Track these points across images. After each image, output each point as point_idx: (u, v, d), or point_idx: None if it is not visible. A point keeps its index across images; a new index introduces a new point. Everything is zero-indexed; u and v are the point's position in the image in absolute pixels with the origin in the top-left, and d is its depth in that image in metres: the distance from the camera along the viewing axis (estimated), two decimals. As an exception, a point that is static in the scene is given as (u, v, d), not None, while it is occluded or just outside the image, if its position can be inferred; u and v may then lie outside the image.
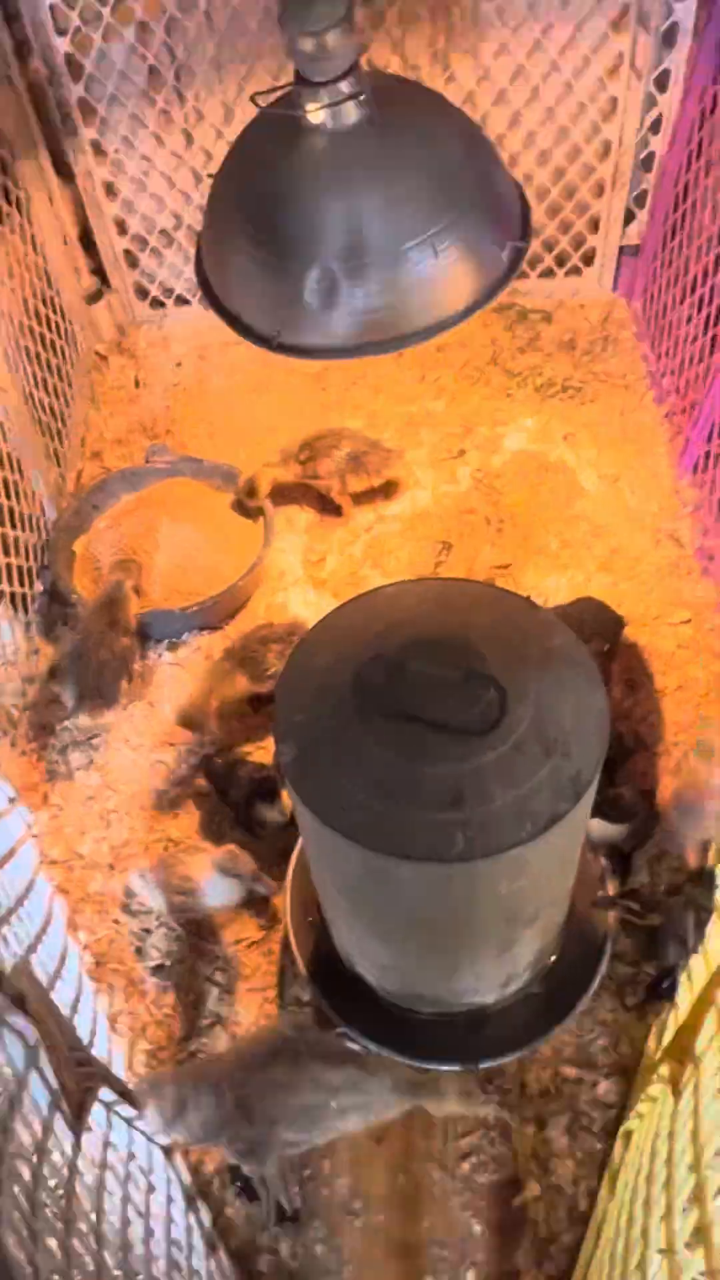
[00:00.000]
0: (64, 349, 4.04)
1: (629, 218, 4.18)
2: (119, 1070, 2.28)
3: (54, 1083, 1.73)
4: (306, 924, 2.54)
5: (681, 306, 3.80)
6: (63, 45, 3.73)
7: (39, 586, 3.50)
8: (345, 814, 1.74)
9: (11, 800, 2.91)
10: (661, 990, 2.45)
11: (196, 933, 2.77)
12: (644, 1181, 1.77)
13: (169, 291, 4.49)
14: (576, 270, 4.39)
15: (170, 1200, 2.17)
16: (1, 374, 3.29)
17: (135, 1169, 2.06)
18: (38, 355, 3.74)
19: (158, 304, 4.52)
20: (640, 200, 4.13)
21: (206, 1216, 2.32)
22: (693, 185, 3.68)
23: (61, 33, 3.69)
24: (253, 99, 1.55)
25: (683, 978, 2.27)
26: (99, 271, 4.39)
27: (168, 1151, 2.29)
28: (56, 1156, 1.71)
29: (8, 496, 3.29)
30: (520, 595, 2.03)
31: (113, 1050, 2.41)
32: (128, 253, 4.34)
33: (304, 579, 3.61)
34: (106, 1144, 1.96)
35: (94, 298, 4.37)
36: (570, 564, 3.51)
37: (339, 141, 1.52)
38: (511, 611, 1.98)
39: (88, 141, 3.98)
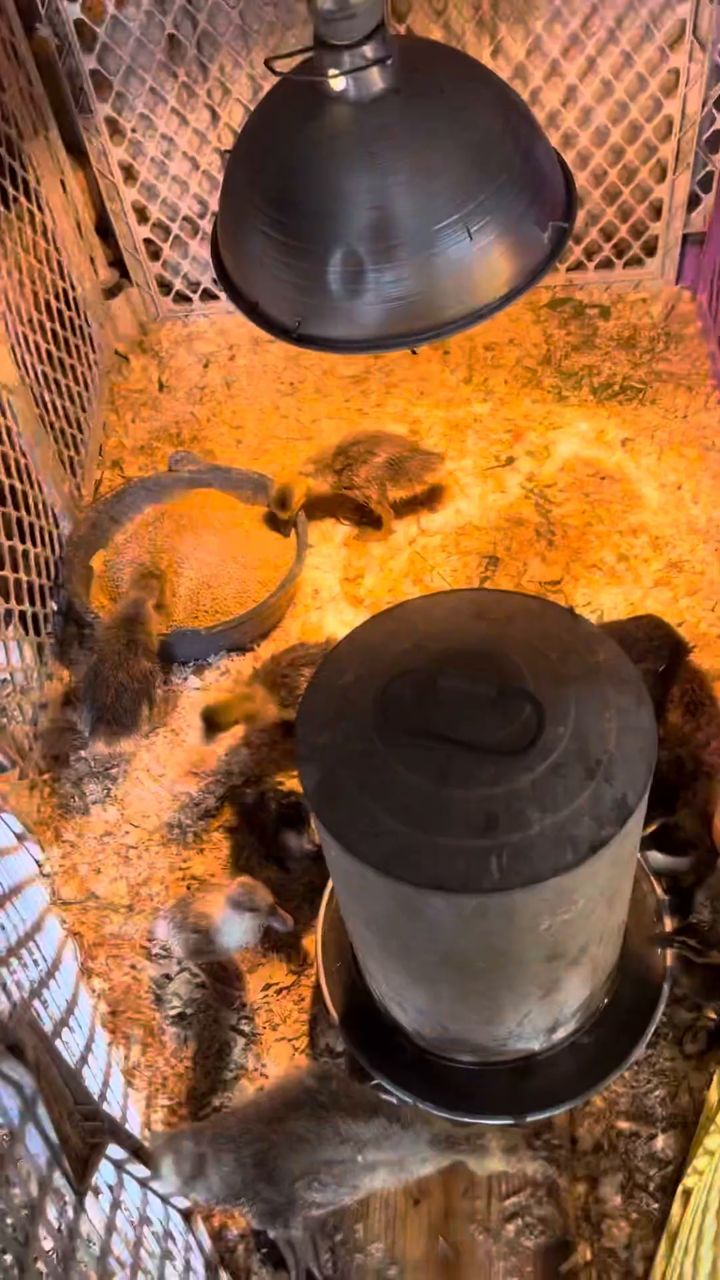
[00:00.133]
0: (80, 348, 4.09)
1: (693, 202, 4.18)
2: (135, 1127, 2.28)
3: (54, 1137, 1.73)
4: (339, 967, 2.54)
5: (751, 298, 3.80)
6: (73, 11, 3.76)
7: (53, 606, 3.52)
8: (371, 842, 1.75)
9: (20, 837, 2.94)
10: (725, 1038, 2.43)
11: (220, 978, 2.78)
12: (694, 1239, 1.75)
13: (194, 285, 4.54)
14: (637, 260, 4.40)
15: (189, 1269, 2.16)
16: (10, 375, 3.32)
17: (149, 1234, 2.06)
18: (51, 355, 3.79)
19: (182, 299, 4.58)
20: (706, 184, 4.13)
21: (229, 1287, 2.31)
22: (761, 166, 3.68)
23: (71, -3, 3.73)
24: (268, 64, 1.57)
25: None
26: (118, 263, 4.45)
27: (187, 1215, 2.28)
28: (55, 1217, 1.71)
29: (18, 508, 3.32)
30: (561, 606, 2.03)
31: (128, 1105, 2.41)
32: (149, 242, 4.39)
33: (340, 596, 3.63)
34: (116, 1206, 1.96)
35: (113, 292, 4.42)
36: (626, 579, 3.50)
37: (363, 111, 1.52)
38: (551, 624, 1.99)
39: (102, 119, 4.03)
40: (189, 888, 2.96)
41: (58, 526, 3.64)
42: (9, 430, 3.31)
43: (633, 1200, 2.38)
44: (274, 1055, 2.67)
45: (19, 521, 3.32)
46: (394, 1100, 2.23)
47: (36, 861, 3.03)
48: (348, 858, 1.77)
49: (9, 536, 3.20)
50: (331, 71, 1.50)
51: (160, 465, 4.01)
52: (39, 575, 3.42)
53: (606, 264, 4.42)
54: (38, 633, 3.38)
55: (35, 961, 2.44)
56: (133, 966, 2.86)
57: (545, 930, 1.81)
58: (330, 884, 2.66)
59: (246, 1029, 2.72)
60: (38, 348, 3.66)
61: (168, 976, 2.83)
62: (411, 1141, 1.99)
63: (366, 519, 3.80)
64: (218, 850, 3.05)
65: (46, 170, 3.88)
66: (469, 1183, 2.36)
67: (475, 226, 1.56)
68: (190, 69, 3.94)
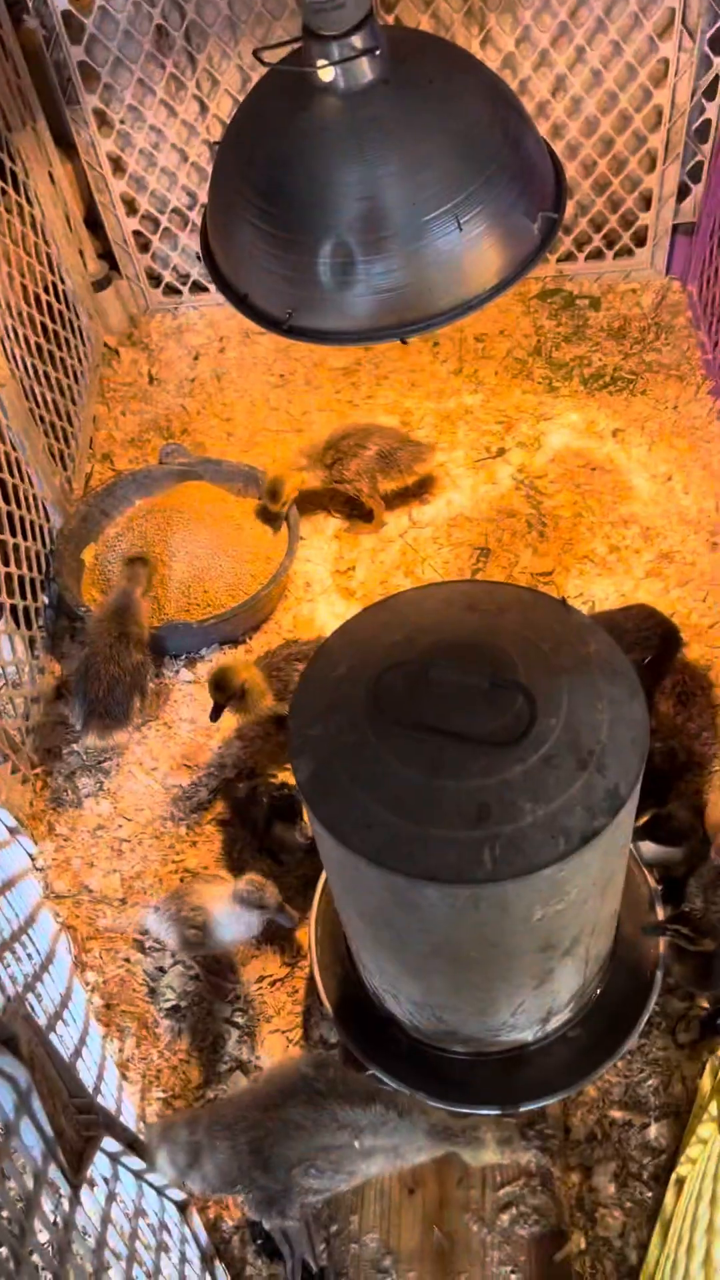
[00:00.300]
0: (69, 341, 4.08)
1: (683, 193, 4.19)
2: (129, 1120, 2.29)
3: (49, 1130, 1.73)
4: (333, 959, 2.54)
5: (740, 288, 3.80)
6: (60, 2, 3.76)
7: (44, 599, 3.53)
8: (364, 833, 1.75)
9: (12, 830, 2.94)
10: (717, 1026, 2.44)
11: (214, 970, 2.78)
12: (688, 1227, 1.76)
13: (184, 277, 4.54)
14: (627, 251, 4.41)
15: (184, 1260, 2.17)
16: None
17: (144, 1226, 2.07)
18: (40, 348, 3.78)
19: (172, 291, 4.58)
20: (695, 174, 4.14)
21: (225, 1278, 2.31)
22: (751, 155, 3.68)
23: (58, -13, 3.72)
24: (257, 55, 1.56)
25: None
26: (107, 256, 4.45)
27: (182, 1207, 2.29)
28: (50, 1210, 1.72)
29: (8, 502, 3.31)
30: (553, 597, 2.03)
31: (123, 1098, 2.41)
32: (138, 234, 4.39)
33: (331, 589, 3.63)
34: (111, 1198, 1.96)
35: (102, 285, 4.42)
36: (618, 570, 3.51)
37: (352, 102, 1.52)
38: (543, 615, 1.99)
39: (90, 111, 4.02)
40: (182, 880, 2.96)
41: (48, 520, 3.63)
42: (-1, 424, 3.30)
43: (626, 1189, 2.39)
44: (268, 1047, 2.67)
45: (9, 515, 3.31)
46: (390, 1089, 2.24)
47: (29, 855, 3.03)
48: (341, 849, 1.77)
49: (-1, 530, 3.20)
50: (320, 62, 1.49)
51: (151, 458, 4.01)
52: (30, 569, 3.42)
53: (597, 254, 4.42)
54: (29, 626, 3.37)
55: (29, 955, 2.45)
56: (126, 960, 2.86)
57: (538, 921, 1.81)
58: (323, 876, 2.66)
59: (240, 1021, 2.72)
60: (27, 341, 3.65)
61: (161, 969, 2.83)
62: (408, 1130, 2.00)
63: (357, 512, 3.80)
64: (211, 843, 3.05)
65: (34, 162, 3.87)
66: (463, 1172, 2.37)
67: (465, 217, 1.55)
68: (178, 60, 3.93)
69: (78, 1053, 2.19)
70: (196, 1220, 2.32)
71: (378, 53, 1.50)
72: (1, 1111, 1.62)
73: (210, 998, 2.76)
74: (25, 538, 3.41)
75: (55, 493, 3.65)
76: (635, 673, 1.91)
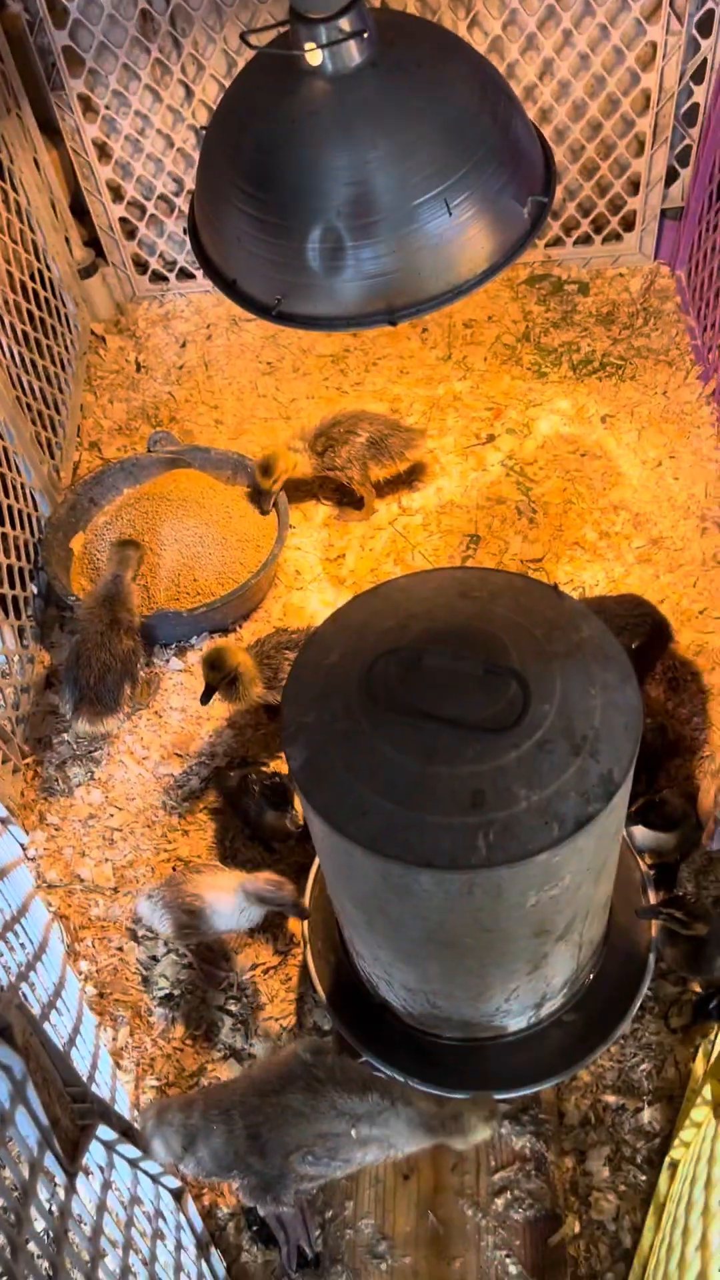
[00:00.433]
0: (56, 329, 4.07)
1: (671, 177, 4.19)
2: (124, 1108, 2.29)
3: (44, 1119, 1.74)
4: (326, 946, 2.55)
5: (729, 272, 3.80)
6: (44, -15, 3.74)
7: (33, 589, 3.52)
8: (358, 820, 1.75)
9: (3, 820, 2.94)
10: (710, 1010, 2.45)
11: (207, 959, 2.78)
12: (684, 1210, 1.77)
13: (170, 264, 4.52)
14: (615, 236, 4.40)
15: (180, 1247, 2.17)
16: (-14, 357, 3.30)
17: (140, 1213, 2.07)
18: (27, 336, 3.77)
19: (159, 278, 4.56)
20: (683, 158, 4.13)
21: (220, 1264, 2.32)
22: (739, 139, 3.68)
23: (42, -29, 3.70)
24: (243, 38, 1.55)
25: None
26: (93, 243, 4.44)
27: (178, 1194, 2.29)
28: (46, 1198, 1.72)
29: (-4, 491, 3.31)
30: (545, 583, 2.03)
31: (117, 1086, 2.42)
32: (124, 221, 4.37)
33: (322, 577, 3.62)
34: (107, 1186, 1.97)
35: (88, 272, 4.40)
36: (608, 556, 3.51)
37: (340, 85, 1.51)
38: (536, 601, 1.99)
39: (75, 96, 4.01)
40: (174, 869, 2.96)
41: (36, 509, 3.63)
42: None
43: (620, 1173, 2.40)
44: (262, 1035, 2.68)
45: (-3, 504, 3.31)
46: (384, 1077, 2.24)
47: (21, 845, 3.03)
48: (335, 836, 1.77)
49: (-12, 520, 3.19)
50: (308, 45, 1.49)
51: (139, 446, 4.00)
52: (18, 558, 3.41)
53: (585, 240, 4.41)
54: (18, 616, 3.37)
55: (22, 945, 2.45)
56: (119, 948, 2.86)
57: (532, 906, 1.82)
58: (316, 863, 2.66)
59: (234, 1009, 2.73)
60: (13, 329, 3.64)
61: (154, 958, 2.83)
62: (401, 1121, 2.00)
63: (347, 499, 3.80)
64: (203, 832, 3.05)
65: (19, 148, 3.85)
66: (458, 1158, 2.37)
67: (454, 201, 1.54)
68: (163, 44, 3.91)
69: (72, 1042, 2.19)
70: (192, 1207, 2.33)
71: (365, 36, 1.50)
72: (-3, 1100, 1.63)
73: (204, 986, 2.76)
74: (13, 527, 3.40)
75: (43, 481, 3.64)
76: (628, 658, 1.91)
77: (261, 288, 1.66)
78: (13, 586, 3.35)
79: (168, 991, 2.77)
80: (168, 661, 3.44)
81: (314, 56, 1.49)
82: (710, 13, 3.72)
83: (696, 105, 3.96)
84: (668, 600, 3.34)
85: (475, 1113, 1.98)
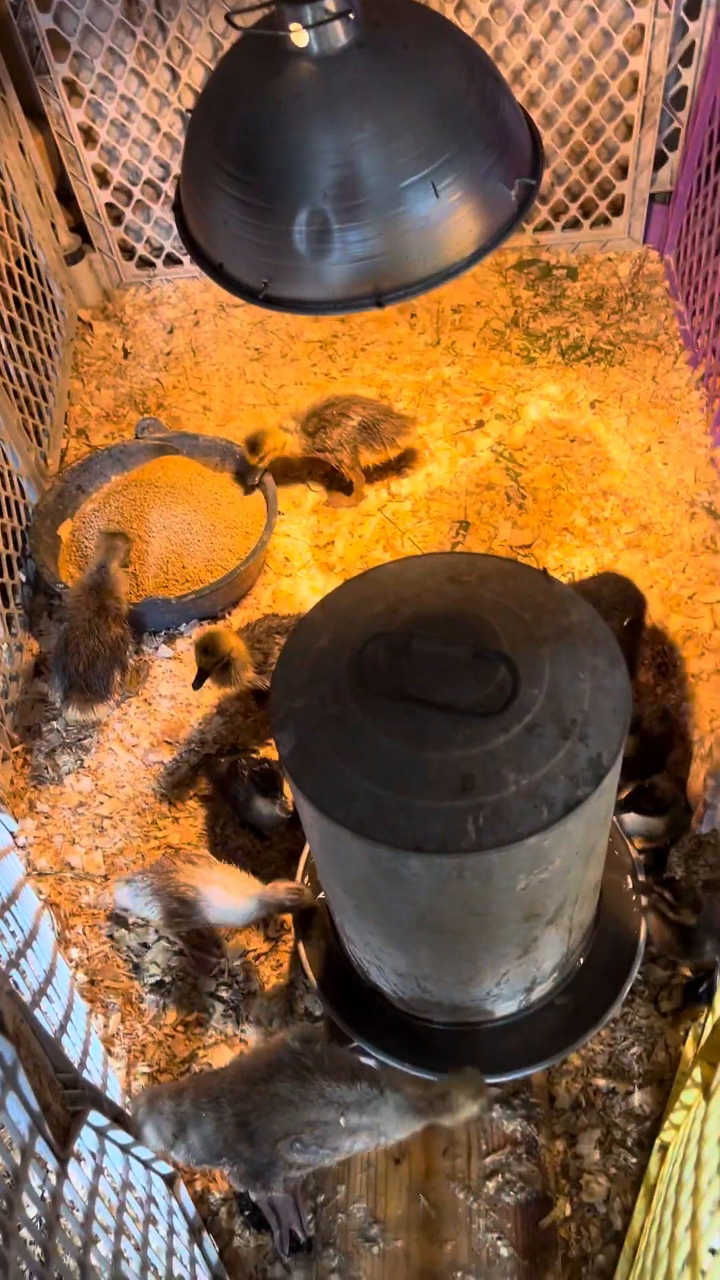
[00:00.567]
0: (43, 315, 4.05)
1: (660, 161, 4.18)
2: (115, 1095, 2.30)
3: (35, 1105, 1.74)
4: (317, 932, 2.55)
5: (717, 258, 3.80)
6: (28, -32, 3.71)
7: (21, 576, 3.51)
8: (348, 805, 1.75)
9: (-9, 809, 2.94)
10: (700, 994, 2.46)
11: (199, 945, 2.79)
12: (674, 1191, 1.78)
13: (157, 250, 4.50)
14: (604, 220, 4.40)
15: (172, 1232, 2.18)
16: (-30, 343, 3.29)
17: (131, 1199, 2.08)
18: (13, 322, 3.75)
19: (145, 264, 4.54)
20: (672, 141, 4.13)
21: (213, 1249, 2.33)
22: (727, 122, 3.67)
23: (25, -47, 3.68)
24: (229, 19, 1.54)
25: (721, 979, 2.28)
26: (80, 229, 4.42)
27: (169, 1180, 2.30)
28: (38, 1184, 1.72)
29: (-18, 478, 3.30)
30: (534, 568, 2.03)
31: (108, 1073, 2.42)
32: (110, 206, 4.36)
33: (311, 564, 3.62)
34: (99, 1171, 1.97)
35: (75, 258, 4.38)
36: (597, 541, 3.51)
37: (326, 67, 1.50)
38: (525, 585, 1.99)
39: (60, 80, 3.98)
40: (164, 856, 2.96)
41: (24, 496, 3.62)
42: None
43: (611, 1155, 2.41)
44: (253, 1021, 2.68)
45: (-16, 492, 3.30)
46: (373, 1065, 2.25)
47: (11, 833, 3.03)
48: (324, 821, 1.77)
49: (-26, 507, 3.18)
50: (293, 26, 1.48)
51: (126, 433, 3.99)
52: (6, 546, 3.40)
53: (573, 224, 4.41)
54: (5, 604, 3.36)
55: (12, 933, 2.45)
56: (110, 936, 2.86)
57: (522, 890, 1.82)
58: (306, 849, 2.67)
59: (225, 996, 2.73)
60: (0, 316, 3.62)
61: (145, 945, 2.84)
62: (390, 1108, 2.01)
63: (337, 484, 3.79)
64: (193, 819, 3.06)
65: (4, 133, 3.83)
66: (449, 1142, 2.38)
67: (442, 184, 1.54)
68: (149, 27, 3.89)
69: (63, 1028, 2.19)
70: (184, 1193, 2.33)
71: (351, 16, 1.49)
72: (-12, 1087, 1.63)
73: (195, 972, 2.77)
74: (1, 514, 3.39)
75: (31, 468, 3.63)
76: (616, 642, 1.92)
77: (248, 271, 1.65)
78: (0, 574, 3.34)
79: (159, 978, 2.78)
80: (157, 649, 3.43)
81: (300, 37, 1.49)
82: (698, -5, 3.72)
83: (685, 88, 3.95)
84: (656, 586, 3.34)
85: (462, 1090, 1.98)
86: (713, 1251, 1.46)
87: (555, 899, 1.94)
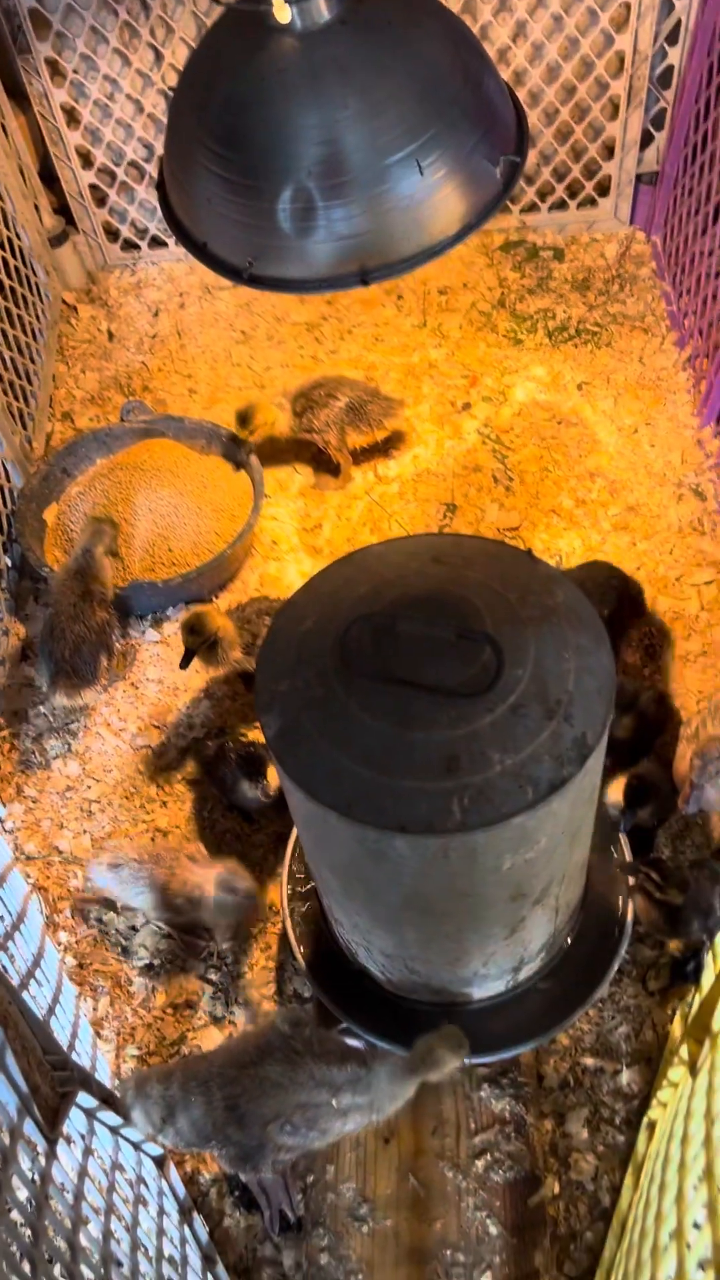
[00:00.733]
0: (27, 298, 4.03)
1: (646, 140, 4.17)
2: (104, 1077, 2.30)
3: (23, 1086, 1.74)
4: (305, 914, 2.56)
5: (704, 238, 3.79)
6: (8, -56, 3.69)
7: (6, 561, 3.50)
8: (334, 786, 1.76)
9: (-21, 794, 2.93)
10: (687, 973, 2.47)
11: (188, 929, 2.79)
12: (661, 1167, 1.79)
13: (142, 232, 4.48)
14: (591, 201, 4.39)
15: (162, 1213, 2.19)
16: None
17: (121, 1180, 2.08)
18: (-4, 305, 3.73)
19: (130, 246, 4.52)
20: (658, 121, 4.11)
21: (203, 1229, 2.34)
22: (715, 101, 3.66)
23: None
24: (210, -7, 1.54)
25: (708, 958, 2.29)
26: (63, 211, 4.39)
27: (159, 1161, 2.31)
28: (27, 1165, 1.72)
29: (-33, 463, 3.28)
30: (518, 548, 2.03)
31: (97, 1055, 2.42)
32: (94, 188, 4.33)
33: (298, 547, 3.62)
34: (88, 1153, 1.97)
35: (59, 240, 4.35)
36: (584, 523, 3.51)
37: (309, 42, 1.49)
38: (509, 566, 1.99)
39: (43, 60, 3.96)
40: (153, 840, 2.96)
41: (9, 480, 3.60)
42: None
43: (599, 1134, 2.42)
44: (242, 1003, 2.69)
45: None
46: (360, 1046, 2.25)
47: (-2, 817, 3.03)
48: (311, 802, 1.77)
49: (-40, 491, 3.17)
50: (276, 1, 1.47)
51: (112, 416, 3.97)
52: (-9, 530, 3.39)
53: (560, 205, 4.40)
54: (-9, 588, 3.35)
55: (0, 916, 2.44)
56: (99, 919, 2.86)
57: (508, 870, 1.82)
58: (294, 832, 2.67)
59: (214, 978, 2.74)
60: (-16, 298, 3.60)
61: (134, 928, 2.84)
62: (379, 1081, 2.02)
63: (324, 467, 3.78)
64: (181, 803, 3.06)
65: (-14, 114, 3.80)
66: (438, 1121, 2.39)
67: (426, 161, 1.53)
68: (131, 6, 3.87)
69: (51, 1011, 2.19)
70: (174, 1174, 2.34)
71: (334, -9, 1.48)
72: (-26, 1069, 1.63)
73: (184, 955, 2.77)
74: (-14, 498, 3.37)
75: (16, 452, 3.62)
76: (601, 622, 1.92)
77: (232, 250, 1.64)
78: (-14, 558, 3.33)
79: (148, 961, 2.78)
80: (144, 633, 3.43)
81: (282, 13, 1.47)
82: (685, -27, 3.71)
83: (671, 67, 3.94)
84: (644, 567, 3.35)
85: (444, 1045, 2.01)
86: (696, 1226, 1.47)
87: (542, 879, 1.95)
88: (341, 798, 1.74)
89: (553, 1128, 2.44)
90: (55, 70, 4.00)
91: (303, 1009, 2.61)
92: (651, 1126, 2.25)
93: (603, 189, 4.34)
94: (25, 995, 1.98)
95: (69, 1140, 1.90)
